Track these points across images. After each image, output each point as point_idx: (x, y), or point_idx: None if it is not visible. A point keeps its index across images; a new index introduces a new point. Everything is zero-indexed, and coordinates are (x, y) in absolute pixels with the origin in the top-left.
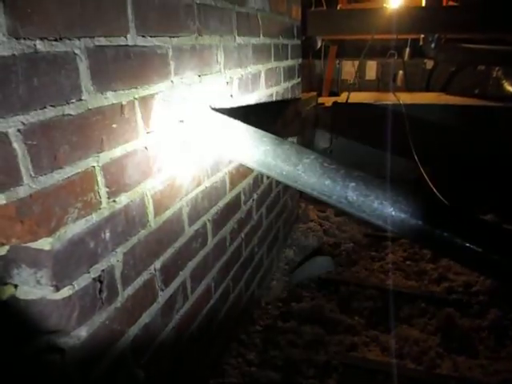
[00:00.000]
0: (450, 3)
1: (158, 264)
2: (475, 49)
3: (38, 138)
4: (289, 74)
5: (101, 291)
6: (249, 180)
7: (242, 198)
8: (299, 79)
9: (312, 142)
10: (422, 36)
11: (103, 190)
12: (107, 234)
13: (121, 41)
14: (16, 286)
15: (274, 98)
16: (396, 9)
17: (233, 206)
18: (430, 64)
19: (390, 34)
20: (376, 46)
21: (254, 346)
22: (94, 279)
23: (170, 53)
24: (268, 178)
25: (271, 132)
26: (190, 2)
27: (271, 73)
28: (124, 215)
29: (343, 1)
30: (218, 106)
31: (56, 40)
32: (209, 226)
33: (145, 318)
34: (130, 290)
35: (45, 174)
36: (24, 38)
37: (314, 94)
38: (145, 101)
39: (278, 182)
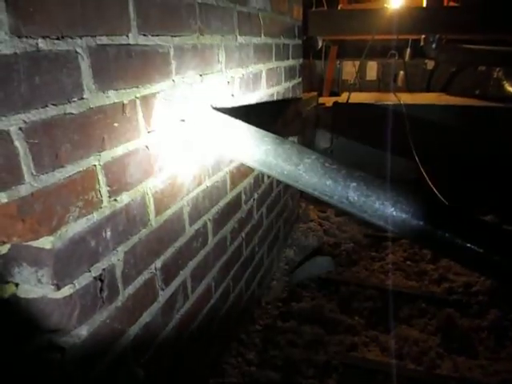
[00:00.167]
0: (451, 4)
1: (158, 263)
2: (476, 49)
3: (39, 137)
4: (290, 73)
5: (101, 290)
6: (250, 179)
7: (243, 197)
8: (300, 79)
9: (313, 141)
10: (423, 36)
11: (104, 189)
12: (108, 233)
13: (122, 40)
14: (17, 285)
15: (274, 98)
16: (397, 9)
17: (233, 205)
18: (430, 64)
19: (390, 35)
20: (377, 46)
21: (253, 346)
22: (94, 278)
23: (172, 52)
24: (269, 177)
25: (272, 132)
26: (191, 2)
27: (272, 72)
28: (125, 214)
29: (344, 1)
30: (219, 106)
31: (58, 39)
32: (209, 226)
33: (145, 318)
34: (130, 289)
35: (46, 173)
36: (26, 37)
37: (315, 94)
38: (146, 100)
39: (279, 182)
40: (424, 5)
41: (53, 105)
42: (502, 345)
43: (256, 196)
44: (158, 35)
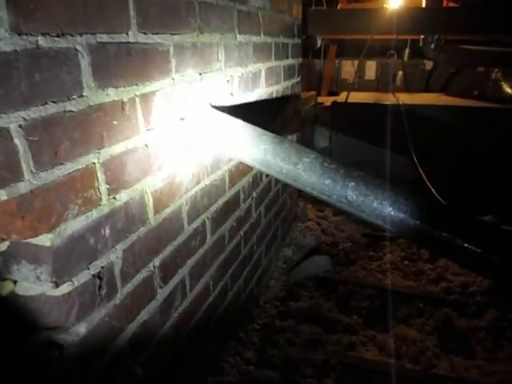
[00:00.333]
0: (450, 4)
1: (157, 261)
2: (475, 50)
3: (39, 134)
4: (289, 72)
5: (100, 288)
6: (248, 178)
7: (241, 196)
8: (299, 78)
9: (311, 141)
10: (422, 37)
11: (103, 187)
12: (107, 231)
13: (122, 37)
14: (15, 282)
15: (274, 97)
16: (396, 9)
17: (232, 204)
18: (429, 65)
19: (389, 35)
20: (376, 46)
21: (252, 345)
22: (93, 276)
23: (172, 50)
24: (267, 176)
25: (271, 130)
26: (191, 0)
27: (271, 71)
28: (124, 212)
29: (343, 0)
30: (218, 104)
31: (58, 36)
32: (208, 224)
33: (143, 315)
34: (129, 287)
35: (46, 170)
36: (26, 34)
37: (314, 93)
38: (146, 98)
39: (277, 181)
40: (423, 5)
41: (52, 102)
42: (500, 345)
43: (254, 195)
44: (157, 33)
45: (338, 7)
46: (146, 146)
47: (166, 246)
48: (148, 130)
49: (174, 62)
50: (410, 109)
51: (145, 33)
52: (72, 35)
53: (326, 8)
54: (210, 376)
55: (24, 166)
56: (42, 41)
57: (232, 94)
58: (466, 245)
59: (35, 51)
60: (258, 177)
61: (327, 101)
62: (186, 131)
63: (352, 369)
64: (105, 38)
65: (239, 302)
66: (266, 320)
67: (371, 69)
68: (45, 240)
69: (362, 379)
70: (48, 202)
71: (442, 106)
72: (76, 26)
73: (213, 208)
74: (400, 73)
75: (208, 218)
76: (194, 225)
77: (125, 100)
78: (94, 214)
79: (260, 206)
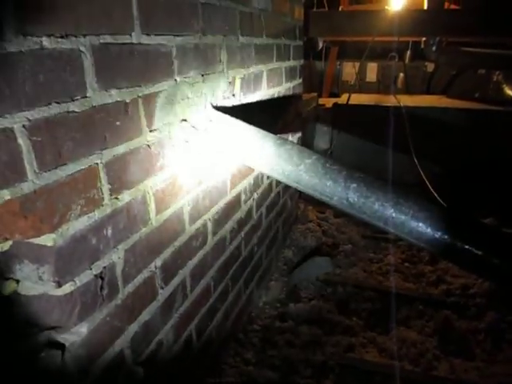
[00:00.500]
0: (452, 6)
1: (158, 262)
2: (476, 52)
3: (42, 135)
4: (290, 74)
5: (102, 288)
6: (249, 179)
7: (243, 197)
8: (300, 80)
9: (312, 143)
10: (424, 39)
11: (106, 187)
12: (109, 231)
13: (125, 39)
14: (18, 282)
15: (275, 99)
16: (398, 11)
17: (233, 205)
18: (430, 67)
19: (391, 37)
20: (377, 48)
21: (251, 346)
22: (95, 276)
23: (174, 51)
24: (268, 177)
25: (272, 132)
26: (194, 1)
27: (273, 73)
28: (126, 212)
29: (345, 2)
30: (220, 106)
31: (62, 37)
32: (209, 225)
33: (145, 316)
34: (130, 288)
35: (49, 171)
36: (31, 35)
37: (315, 94)
38: (148, 99)
39: (278, 182)
40: (425, 7)
41: (56, 103)
42: (499, 347)
43: (255, 196)
44: (160, 35)
45: (340, 9)
46: (149, 146)
47: (168, 247)
48: (150, 130)
49: (176, 63)
50: (411, 111)
51: (148, 34)
52: (76, 36)
53: (328, 10)
54: (210, 377)
55: (27, 166)
56: (46, 42)
57: (234, 96)
58: (466, 247)
59: (39, 52)
60: (260, 178)
61: (328, 102)
62: (188, 132)
63: (351, 370)
64: (108, 39)
65: (239, 303)
66: (266, 321)
67: (372, 71)
68: (47, 240)
69: (362, 381)
70: (51, 202)
71: (443, 108)
72: (80, 27)
73: (214, 209)
74: (401, 75)
75: (209, 219)
76: (196, 226)
77: (127, 101)
78: (97, 215)
79: (261, 207)
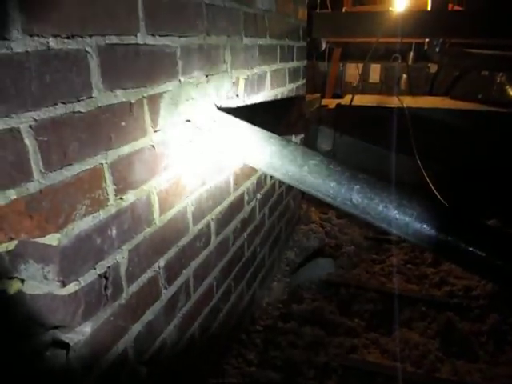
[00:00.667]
0: (456, 8)
1: (162, 262)
2: (479, 54)
3: (48, 135)
4: (294, 75)
5: (106, 287)
6: (253, 180)
7: (246, 198)
8: (304, 81)
9: (315, 144)
10: (427, 40)
11: (111, 188)
12: (113, 231)
13: (131, 39)
14: (23, 281)
15: (279, 99)
16: (401, 12)
17: (236, 205)
18: (433, 68)
19: (394, 38)
20: (380, 49)
21: (254, 346)
22: (99, 275)
23: (179, 52)
24: (271, 178)
25: (276, 132)
26: (199, 2)
27: (277, 74)
28: (130, 213)
29: (348, 3)
30: (224, 106)
31: (68, 38)
32: (212, 226)
33: (148, 316)
34: (134, 287)
35: (54, 171)
36: (37, 35)
37: (318, 95)
38: (153, 99)
39: (281, 183)
40: (428, 8)
41: (62, 103)
42: (502, 349)
43: (259, 197)
44: (165, 35)
45: (343, 10)
46: (153, 147)
47: (171, 247)
48: (155, 131)
49: (180, 63)
50: (414, 112)
51: (153, 35)
52: (82, 37)
53: (331, 11)
54: (212, 377)
55: (34, 166)
56: (52, 42)
57: (238, 96)
58: (470, 248)
59: (46, 52)
60: (263, 179)
61: (331, 103)
62: (192, 133)
63: (354, 371)
64: (114, 39)
65: (242, 303)
66: (269, 322)
67: (375, 72)
68: (52, 239)
69: (364, 382)
70: (56, 202)
71: (446, 109)
72: (86, 27)
73: (217, 209)
74: (404, 76)
75: (213, 219)
76: (199, 226)
77: (132, 101)
78: (101, 215)
79: (264, 207)
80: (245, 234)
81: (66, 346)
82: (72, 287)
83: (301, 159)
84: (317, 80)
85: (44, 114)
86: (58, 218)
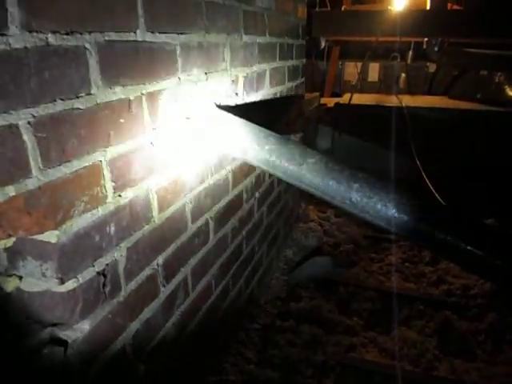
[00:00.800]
0: (455, 7)
1: (160, 260)
2: (478, 53)
3: (47, 131)
4: (293, 73)
5: (104, 285)
6: (251, 178)
7: (244, 196)
8: (303, 79)
9: (313, 142)
10: (426, 39)
11: (109, 185)
12: (112, 229)
13: (130, 36)
14: (21, 278)
15: (278, 97)
16: (400, 11)
17: (235, 204)
18: (432, 67)
19: (393, 37)
20: (379, 48)
21: (252, 345)
22: (98, 273)
23: (178, 49)
24: (270, 176)
25: (275, 131)
26: (198, 0)
27: (276, 72)
28: (129, 210)
29: (347, 2)
30: (223, 104)
31: (67, 34)
32: (211, 224)
33: (146, 313)
34: (132, 285)
35: (53, 167)
36: (36, 31)
37: (317, 94)
38: (152, 97)
39: (280, 181)
40: (428, 7)
41: (61, 100)
42: (500, 348)
43: (257, 195)
44: (165, 32)
45: (342, 9)
46: (152, 144)
47: (170, 245)
48: (154, 128)
49: (180, 61)
50: (412, 111)
51: (152, 32)
52: (81, 33)
53: (331, 9)
54: (211, 375)
55: (32, 162)
56: (51, 38)
57: (237, 94)
58: (468, 248)
59: (45, 48)
60: (261, 177)
61: (330, 102)
62: (191, 130)
63: (352, 370)
64: (113, 36)
65: (240, 301)
66: (267, 320)
67: (374, 71)
68: (51, 236)
69: (362, 380)
70: (55, 199)
71: (444, 108)
72: (85, 24)
73: (216, 207)
74: (403, 75)
75: (211, 217)
76: (198, 224)
77: (131, 98)
78: (100, 212)
79: (262, 206)
80: (243, 232)
81: (64, 343)
82: (70, 284)
83: (299, 157)
84: (316, 78)
85: (43, 110)
86: (57, 214)
